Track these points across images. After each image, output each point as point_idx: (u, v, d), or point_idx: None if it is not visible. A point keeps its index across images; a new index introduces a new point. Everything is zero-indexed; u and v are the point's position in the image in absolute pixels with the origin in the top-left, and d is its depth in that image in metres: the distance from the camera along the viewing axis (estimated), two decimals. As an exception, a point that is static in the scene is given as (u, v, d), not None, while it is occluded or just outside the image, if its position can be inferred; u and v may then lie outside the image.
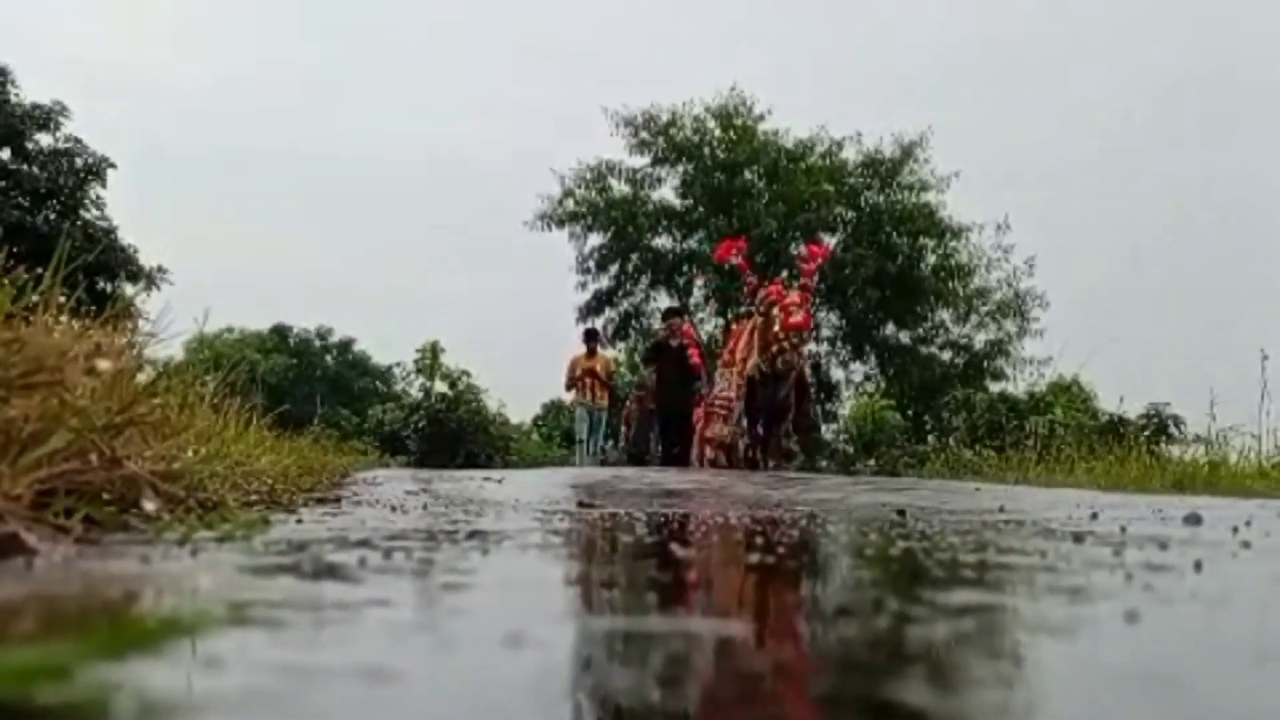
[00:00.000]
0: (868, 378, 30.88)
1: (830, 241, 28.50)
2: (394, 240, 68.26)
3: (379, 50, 73.53)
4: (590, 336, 21.49)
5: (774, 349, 15.26)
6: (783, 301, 15.30)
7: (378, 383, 51.97)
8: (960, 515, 4.59)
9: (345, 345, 55.61)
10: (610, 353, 26.88)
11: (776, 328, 15.13)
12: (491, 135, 67.13)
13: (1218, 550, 3.09)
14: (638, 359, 25.74)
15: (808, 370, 17.54)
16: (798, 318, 15.18)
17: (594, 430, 20.46)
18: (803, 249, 20.69)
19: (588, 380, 20.07)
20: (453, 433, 26.69)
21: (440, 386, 32.00)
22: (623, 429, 23.25)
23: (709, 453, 18.11)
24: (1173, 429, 20.69)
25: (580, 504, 5.55)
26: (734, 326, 19.48)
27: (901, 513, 4.99)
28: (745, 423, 16.83)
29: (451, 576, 2.43)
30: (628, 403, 22.61)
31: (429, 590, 2.23)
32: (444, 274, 66.72)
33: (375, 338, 57.96)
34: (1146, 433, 18.88)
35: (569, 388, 20.39)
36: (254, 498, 4.23)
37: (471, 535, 3.41)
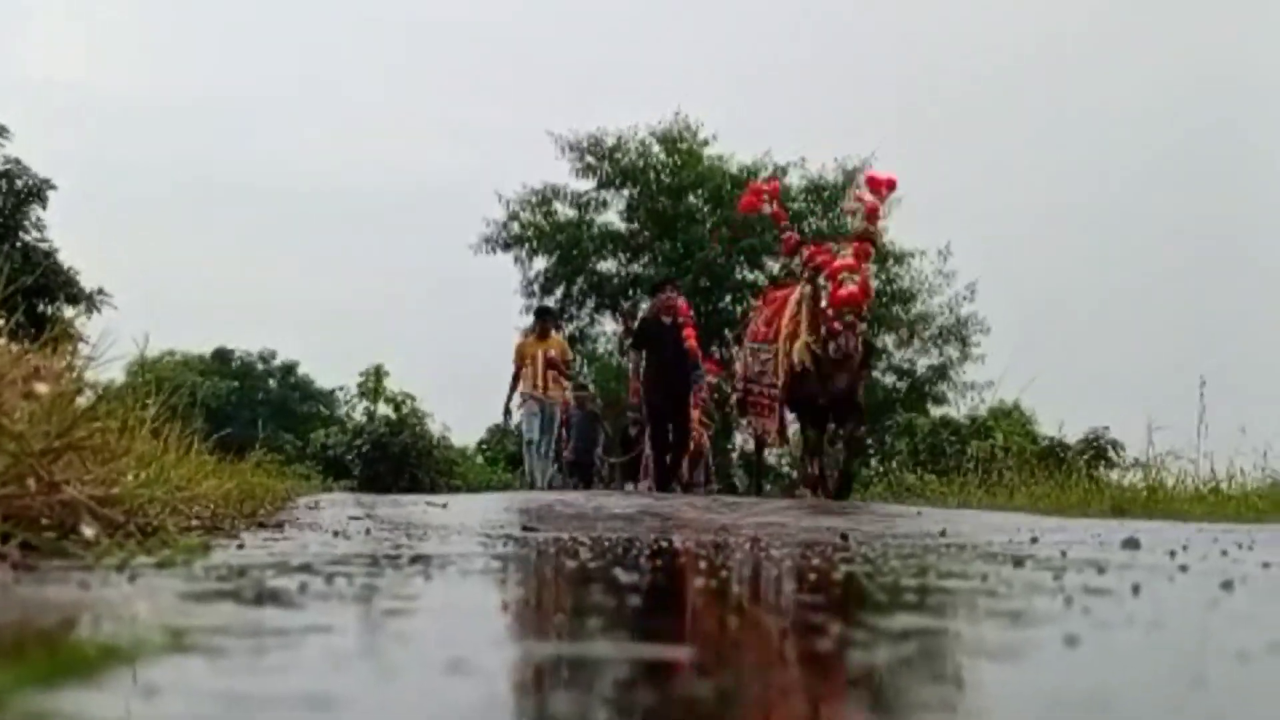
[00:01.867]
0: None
1: (774, 266, 28.62)
2: (338, 263, 67.85)
3: (326, 74, 73.23)
4: (543, 315, 17.94)
5: (823, 330, 11.37)
6: (831, 267, 11.46)
7: (321, 406, 51.56)
8: (902, 539, 4.62)
9: (288, 369, 55.13)
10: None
11: (824, 303, 11.37)
12: (436, 158, 66.85)
13: (1155, 574, 3.13)
14: (625, 345, 21.73)
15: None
16: (850, 288, 11.31)
17: (546, 429, 16.79)
18: (861, 180, 16.86)
19: (539, 368, 16.48)
20: (397, 457, 26.59)
21: (384, 410, 31.87)
22: (561, 434, 20.65)
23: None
24: (1111, 454, 20.90)
25: (524, 528, 5.54)
26: (764, 296, 14.97)
27: (845, 537, 5.01)
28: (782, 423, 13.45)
29: (394, 602, 2.42)
30: (565, 402, 19.45)
31: (371, 616, 2.22)
32: (388, 297, 66.36)
33: (319, 361, 57.57)
34: (1086, 457, 19.09)
35: (516, 378, 16.56)
36: (195, 523, 4.19)
37: (414, 560, 3.40)
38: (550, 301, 30.64)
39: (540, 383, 16.46)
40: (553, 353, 16.61)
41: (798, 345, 11.85)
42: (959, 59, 62.95)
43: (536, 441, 16.64)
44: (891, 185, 12.86)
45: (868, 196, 12.49)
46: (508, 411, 18.43)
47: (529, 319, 31.77)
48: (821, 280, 11.43)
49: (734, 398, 14.93)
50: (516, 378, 16.49)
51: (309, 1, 73.55)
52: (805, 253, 12.18)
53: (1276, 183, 49.99)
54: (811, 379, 11.77)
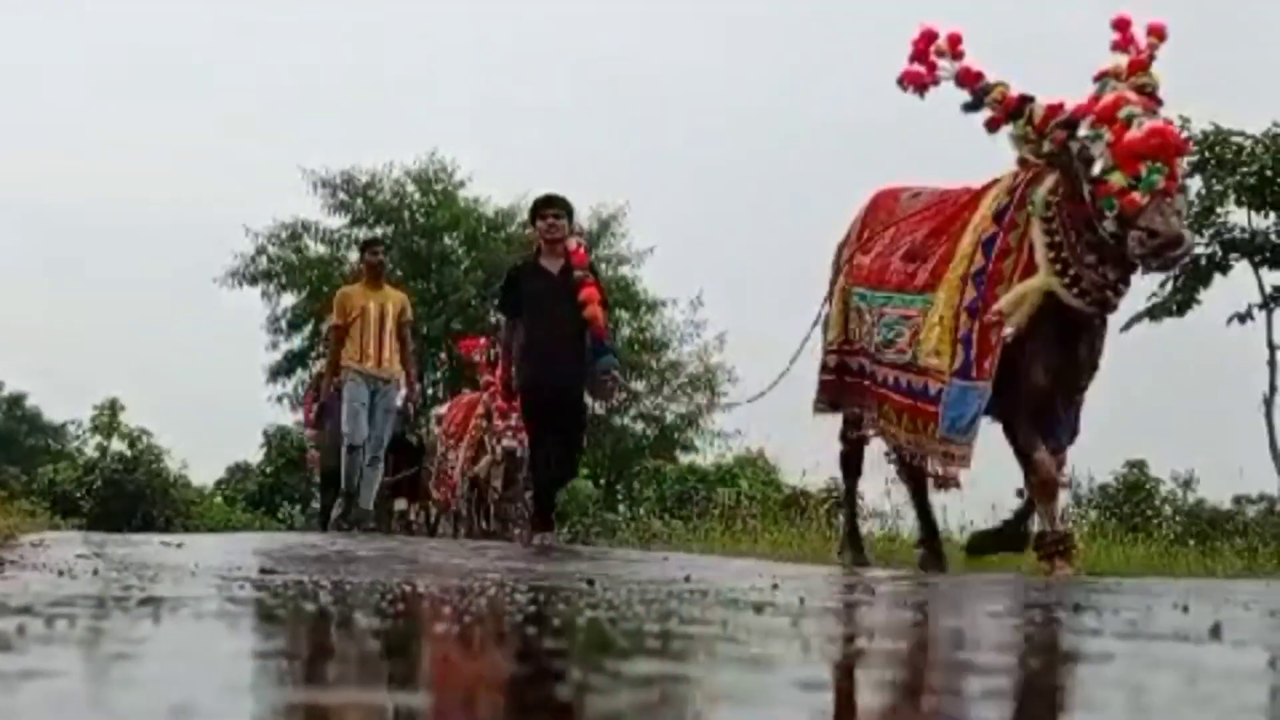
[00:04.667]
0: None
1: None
2: (70, 291, 65.29)
3: (66, 95, 70.66)
4: (371, 248, 12.78)
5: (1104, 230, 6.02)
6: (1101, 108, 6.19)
7: (51, 440, 49.44)
8: (647, 584, 4.65)
9: (15, 400, 52.79)
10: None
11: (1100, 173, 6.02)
12: (181, 188, 65.05)
13: (888, 620, 3.22)
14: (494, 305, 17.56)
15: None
16: (1153, 124, 6.05)
17: (379, 423, 11.91)
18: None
19: (371, 329, 11.79)
20: (130, 494, 25.74)
21: (118, 446, 30.76)
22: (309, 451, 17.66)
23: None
24: (850, 503, 21.50)
25: (263, 571, 5.40)
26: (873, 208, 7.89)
27: (590, 582, 5.03)
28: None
29: (120, 645, 2.32)
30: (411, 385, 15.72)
31: (96, 660, 2.13)
32: (126, 328, 64.04)
33: (48, 393, 55.17)
34: (826, 506, 19.58)
35: (339, 346, 11.88)
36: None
37: (144, 602, 3.27)
38: (297, 340, 30.03)
39: (373, 351, 11.77)
40: (391, 307, 12.00)
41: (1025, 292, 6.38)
42: (720, 107, 64.42)
43: (361, 443, 11.68)
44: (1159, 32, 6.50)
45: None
46: (319, 399, 15.52)
47: (276, 354, 31.32)
48: (1086, 133, 6.15)
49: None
50: (339, 345, 11.90)
51: (51, 25, 71.07)
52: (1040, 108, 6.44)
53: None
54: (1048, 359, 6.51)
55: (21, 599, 3.17)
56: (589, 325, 9.55)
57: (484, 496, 15.72)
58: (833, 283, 7.94)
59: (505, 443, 14.18)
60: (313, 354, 30.02)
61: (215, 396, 49.30)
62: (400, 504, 18.16)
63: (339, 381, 12.06)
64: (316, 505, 20.23)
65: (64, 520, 24.09)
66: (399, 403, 12.86)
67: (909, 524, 13.34)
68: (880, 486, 13.30)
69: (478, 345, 16.16)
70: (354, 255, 30.53)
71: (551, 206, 9.99)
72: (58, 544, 8.17)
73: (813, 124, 60.74)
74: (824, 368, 7.84)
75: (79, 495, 27.04)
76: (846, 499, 8.88)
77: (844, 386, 7.68)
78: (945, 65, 6.81)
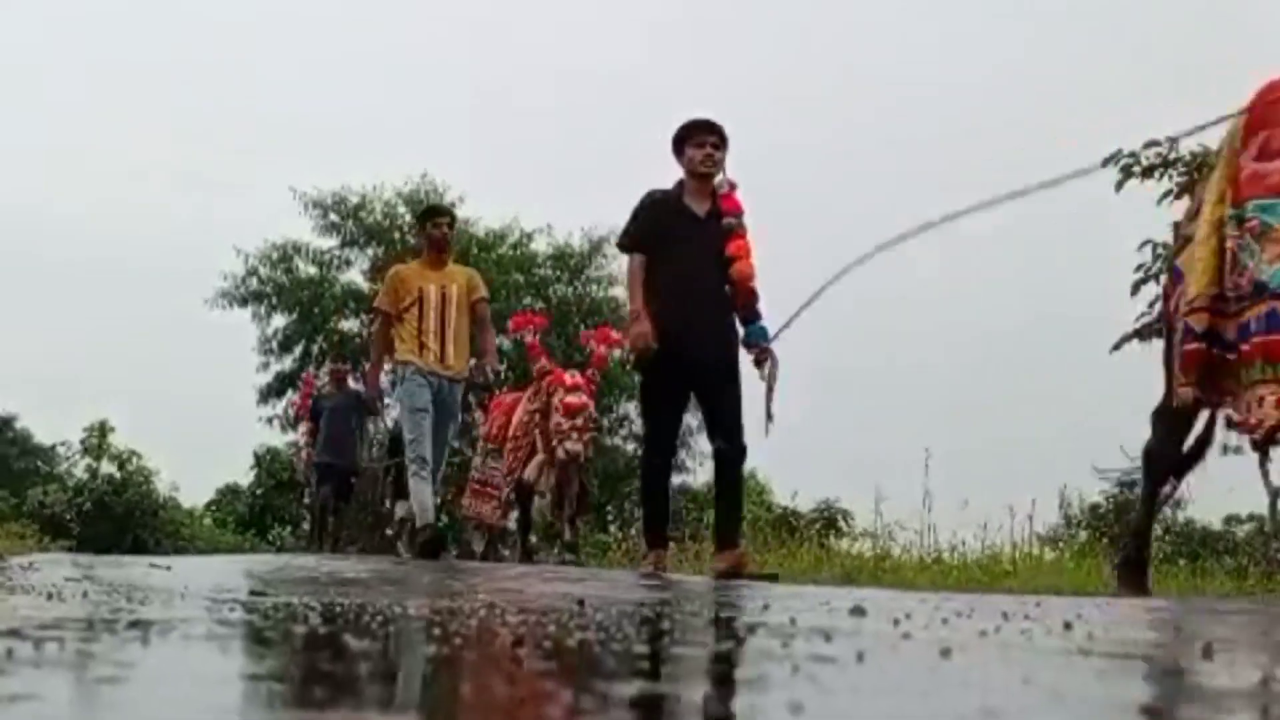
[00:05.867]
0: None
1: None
2: (60, 313, 65.08)
3: (52, 111, 70.57)
4: (434, 219, 10.35)
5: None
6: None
7: (40, 463, 49.32)
8: (637, 606, 4.65)
9: (5, 422, 52.64)
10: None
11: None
12: (170, 208, 65.01)
13: (880, 642, 3.21)
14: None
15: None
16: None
17: (441, 427, 9.90)
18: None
19: (432, 316, 9.75)
20: (120, 517, 25.74)
21: (108, 468, 30.72)
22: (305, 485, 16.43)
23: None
24: (841, 523, 21.58)
25: (252, 593, 5.39)
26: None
27: (581, 603, 5.02)
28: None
29: (109, 669, 2.31)
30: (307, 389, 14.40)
31: (84, 683, 2.12)
32: (115, 350, 63.87)
33: (39, 415, 54.95)
34: (817, 526, 19.63)
35: (387, 334, 9.98)
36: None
37: (133, 625, 3.26)
38: (288, 362, 29.97)
39: (435, 343, 9.72)
40: (456, 288, 9.88)
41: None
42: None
43: (424, 453, 9.72)
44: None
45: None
46: (373, 403, 13.99)
47: (267, 375, 31.26)
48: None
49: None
50: (385, 335, 10.01)
51: (32, 46, 71.10)
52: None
53: (997, 261, 52.60)
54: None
55: (10, 621, 3.16)
56: (736, 286, 7.88)
57: (526, 507, 13.76)
58: (1190, 222, 6.51)
59: (569, 445, 12.01)
60: (303, 375, 30.00)
61: (205, 418, 49.25)
62: (402, 509, 15.82)
63: (372, 395, 11.95)
64: (307, 527, 19.83)
65: (53, 542, 24.07)
66: (459, 402, 10.47)
67: (901, 543, 13.37)
68: (870, 506, 13.34)
69: (530, 323, 13.37)
70: (345, 276, 30.60)
71: (712, 133, 8.02)
72: (47, 566, 8.16)
73: (796, 142, 60.87)
74: (1187, 333, 6.14)
75: (68, 517, 27.04)
76: (1144, 510, 7.26)
77: (1213, 364, 6.12)
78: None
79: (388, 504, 16.19)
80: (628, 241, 8.21)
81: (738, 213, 8.01)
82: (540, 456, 12.49)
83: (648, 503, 8.50)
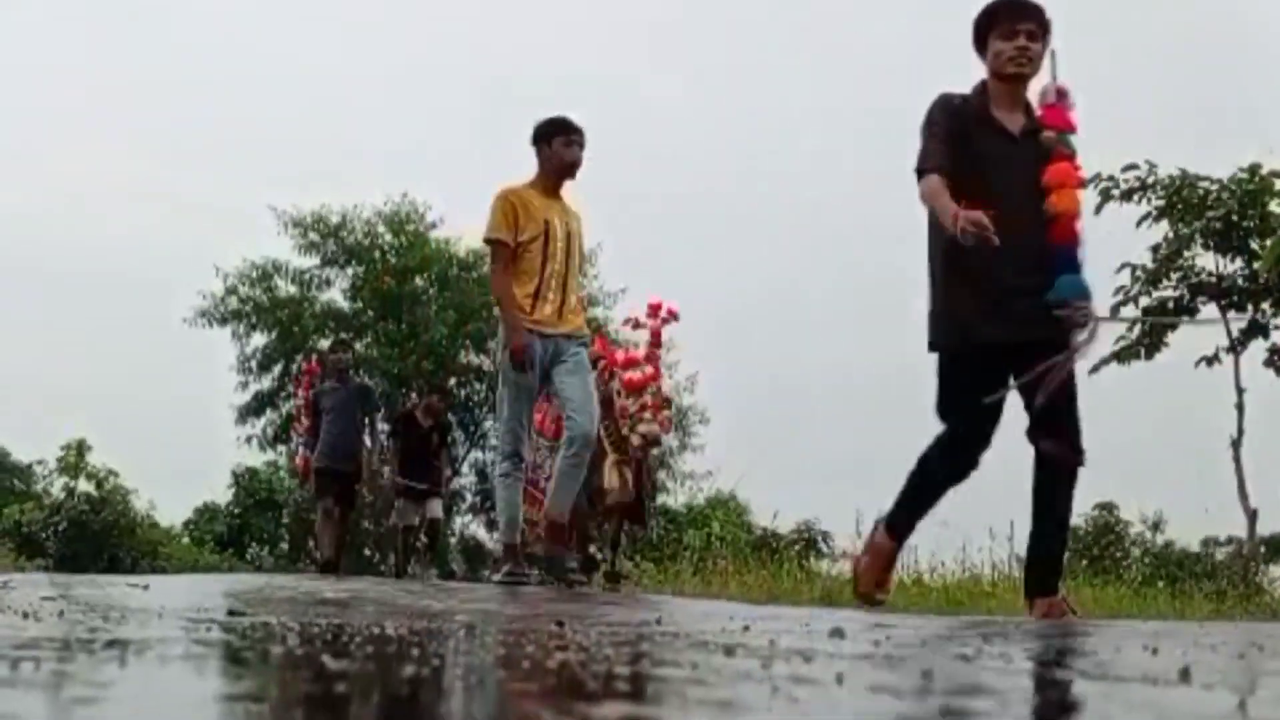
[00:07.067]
0: (533, 487, 31.07)
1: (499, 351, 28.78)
2: (38, 331, 64.86)
3: (28, 134, 70.39)
4: (567, 133, 8.22)
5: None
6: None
7: (17, 481, 49.05)
8: (617, 626, 4.63)
9: (-20, 440, 52.42)
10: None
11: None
12: (147, 227, 64.84)
13: (859, 663, 3.21)
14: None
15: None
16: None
17: (581, 383, 8.02)
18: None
19: (559, 258, 7.98)
20: (97, 535, 25.65)
21: (85, 486, 30.59)
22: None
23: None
24: (821, 544, 21.63)
25: (230, 613, 5.36)
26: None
27: (561, 624, 5.01)
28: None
29: (86, 689, 2.30)
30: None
31: (60, 704, 2.10)
32: (91, 368, 63.62)
33: (14, 433, 54.68)
34: (797, 547, 19.66)
35: (502, 270, 7.98)
36: None
37: (110, 644, 3.24)
38: (267, 381, 29.89)
39: (556, 295, 7.91)
40: (577, 227, 8.28)
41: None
42: (689, 149, 64.72)
43: (521, 448, 8.12)
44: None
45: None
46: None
47: (246, 395, 31.23)
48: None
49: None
50: (508, 266, 7.97)
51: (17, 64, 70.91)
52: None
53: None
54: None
55: (-16, 642, 3.13)
56: (1053, 224, 5.81)
57: (602, 523, 12.21)
58: None
59: (644, 427, 10.56)
60: (282, 394, 29.90)
61: (183, 437, 49.11)
62: (409, 515, 15.20)
63: (520, 352, 7.85)
64: (286, 546, 19.58)
65: (29, 561, 23.91)
66: (591, 373, 8.42)
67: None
68: (849, 527, 13.35)
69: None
70: (325, 295, 30.62)
71: (1026, 18, 5.91)
72: (23, 585, 8.10)
73: (782, 163, 61.06)
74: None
75: (45, 536, 26.91)
76: None
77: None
78: None
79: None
80: (930, 160, 5.87)
81: (1064, 128, 5.96)
82: (611, 458, 10.78)
83: (914, 509, 6.40)
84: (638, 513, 11.26)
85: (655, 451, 10.48)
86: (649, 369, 10.32)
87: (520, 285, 7.89)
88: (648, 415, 10.36)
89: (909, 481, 6.24)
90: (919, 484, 6.24)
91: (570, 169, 8.20)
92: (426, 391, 17.83)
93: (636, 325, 11.65)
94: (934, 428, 6.16)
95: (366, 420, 13.98)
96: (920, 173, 5.90)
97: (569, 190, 8.43)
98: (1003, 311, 5.76)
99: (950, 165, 5.80)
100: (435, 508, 15.01)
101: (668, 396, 10.64)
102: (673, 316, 11.39)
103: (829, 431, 47.80)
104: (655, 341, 11.30)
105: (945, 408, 6.16)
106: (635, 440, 10.26)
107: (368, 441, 13.87)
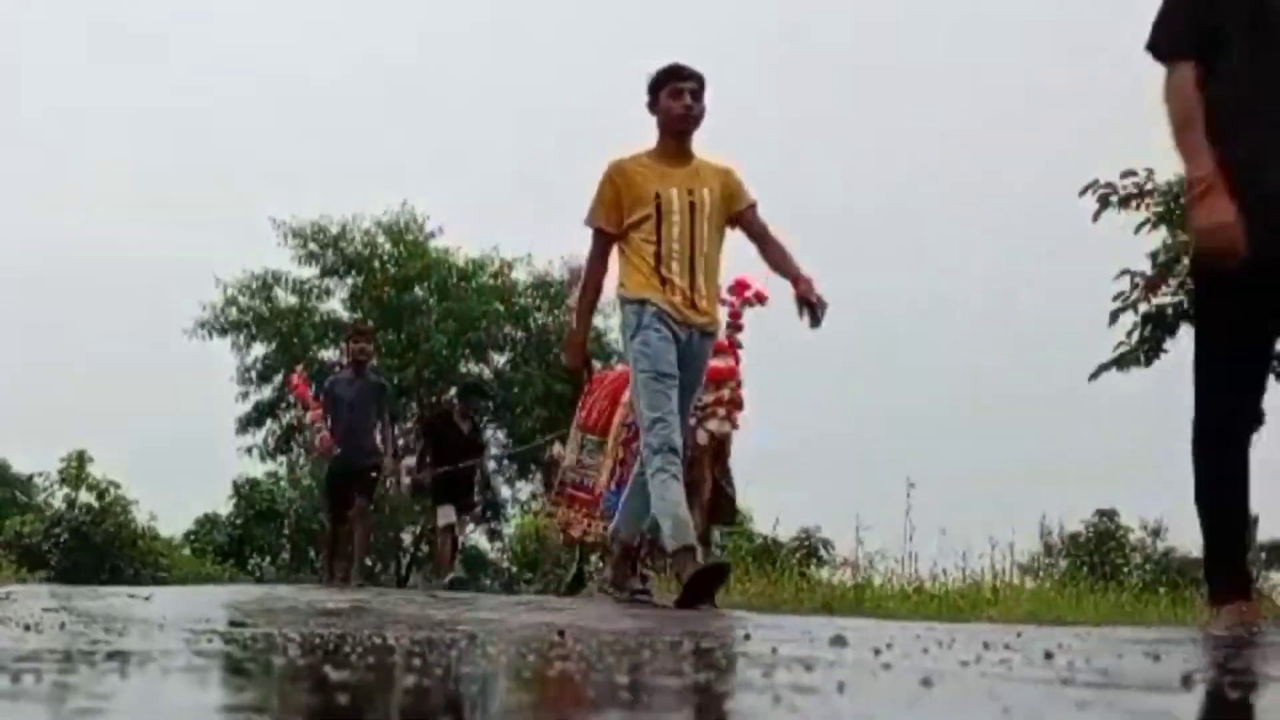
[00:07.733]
0: (534, 496, 31.09)
1: (499, 360, 28.73)
2: (37, 342, 64.80)
3: (30, 141, 70.37)
4: (674, 83, 6.89)
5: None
6: None
7: (18, 492, 49.01)
8: (619, 635, 4.63)
9: (-19, 452, 52.39)
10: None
11: None
12: (147, 237, 64.78)
13: (860, 672, 3.21)
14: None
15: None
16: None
17: (685, 393, 6.85)
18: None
19: (684, 233, 6.77)
20: (98, 547, 25.64)
21: (86, 497, 30.56)
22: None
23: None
24: (822, 552, 21.61)
25: (232, 624, 5.36)
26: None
27: (562, 633, 5.01)
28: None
29: (87, 701, 2.30)
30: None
31: (61, 716, 2.11)
32: (92, 379, 63.51)
33: (15, 444, 54.63)
34: (798, 555, 19.65)
35: (604, 257, 7.07)
36: None
37: (112, 656, 3.24)
38: (267, 391, 29.90)
39: (683, 275, 6.80)
40: (707, 194, 6.93)
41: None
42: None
43: (675, 441, 6.71)
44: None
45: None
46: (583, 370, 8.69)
47: (246, 405, 31.22)
48: None
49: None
50: (605, 266, 7.19)
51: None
52: None
53: (976, 292, 52.81)
54: None
55: (-14, 654, 3.13)
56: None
57: None
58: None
59: (712, 425, 9.37)
60: (283, 404, 29.91)
61: (184, 448, 49.00)
62: (450, 514, 14.68)
63: (577, 362, 7.73)
64: (287, 556, 19.60)
65: (31, 573, 23.88)
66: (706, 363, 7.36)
67: (882, 572, 13.37)
68: (850, 535, 13.34)
69: None
70: (325, 305, 30.69)
71: None
72: (24, 597, 8.10)
73: (778, 170, 61.04)
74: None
75: (46, 548, 26.89)
76: None
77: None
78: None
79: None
80: (1167, 41, 4.58)
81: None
82: None
83: (1216, 527, 4.95)
84: (720, 510, 10.02)
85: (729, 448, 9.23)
86: (729, 360, 8.96)
87: (637, 271, 6.84)
88: (721, 411, 9.19)
89: (1204, 529, 4.94)
90: (1211, 523, 4.92)
91: (681, 121, 7.00)
92: (459, 394, 18.10)
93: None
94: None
95: (382, 420, 13.42)
96: (1157, 51, 4.61)
97: (703, 147, 7.17)
98: (1273, 219, 4.35)
99: (1205, 48, 4.45)
100: (464, 526, 14.73)
101: (743, 397, 9.26)
102: (760, 300, 9.32)
103: (831, 439, 47.78)
104: (735, 324, 9.39)
105: (1210, 359, 4.74)
106: (702, 437, 9.10)
107: (379, 440, 13.28)
